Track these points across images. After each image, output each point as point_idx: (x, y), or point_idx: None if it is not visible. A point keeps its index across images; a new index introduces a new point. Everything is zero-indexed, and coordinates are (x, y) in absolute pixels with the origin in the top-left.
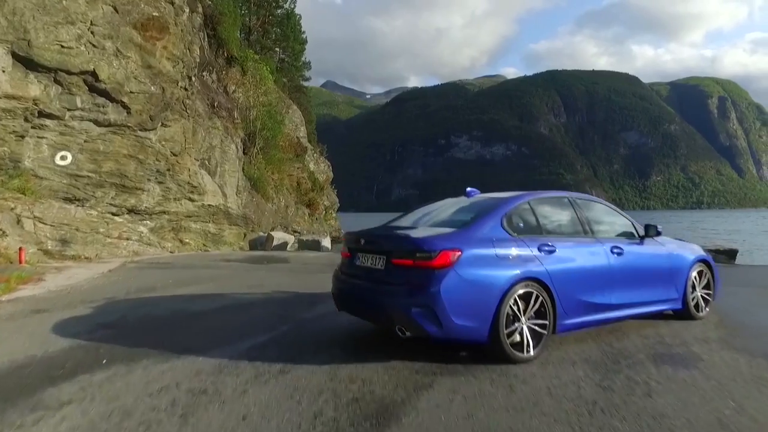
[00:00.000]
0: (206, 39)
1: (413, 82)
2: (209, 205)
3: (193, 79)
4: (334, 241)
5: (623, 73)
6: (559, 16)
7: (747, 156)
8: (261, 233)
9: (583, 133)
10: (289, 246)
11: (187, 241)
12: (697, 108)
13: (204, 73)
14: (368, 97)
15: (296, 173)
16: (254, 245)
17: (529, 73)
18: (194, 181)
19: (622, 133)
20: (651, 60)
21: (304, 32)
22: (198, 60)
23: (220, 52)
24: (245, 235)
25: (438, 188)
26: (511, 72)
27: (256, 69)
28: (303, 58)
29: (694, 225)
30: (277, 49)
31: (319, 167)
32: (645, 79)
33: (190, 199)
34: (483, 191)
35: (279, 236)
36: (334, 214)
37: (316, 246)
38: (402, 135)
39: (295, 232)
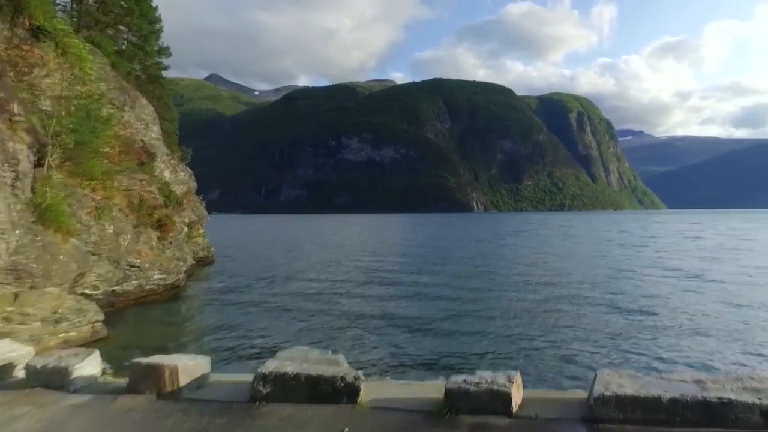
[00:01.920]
0: None
1: (303, 81)
2: None
3: None
4: (199, 263)
5: (499, 85)
6: (442, 27)
7: (599, 164)
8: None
9: (465, 139)
10: (16, 370)
11: None
12: (560, 120)
13: None
14: (256, 93)
15: (138, 187)
16: None
17: (417, 79)
18: None
19: (499, 140)
20: (522, 74)
21: (156, 9)
22: None
23: (19, 20)
24: (16, 296)
25: (329, 190)
26: (399, 77)
27: (70, 47)
28: (159, 43)
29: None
30: (122, 27)
31: (178, 176)
32: (517, 92)
33: None
34: (373, 193)
35: None
36: (201, 230)
37: (59, 379)
38: (292, 134)
39: (132, 267)
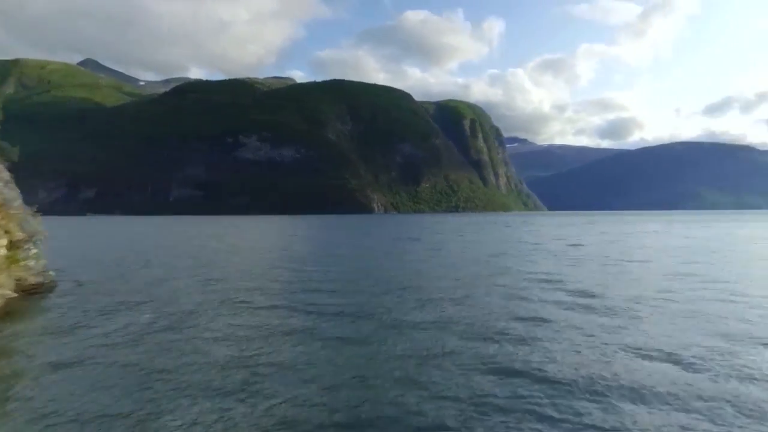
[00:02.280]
0: None
1: (195, 73)
2: None
3: None
4: (30, 294)
5: (400, 90)
6: (342, 28)
7: (489, 169)
8: None
9: (366, 142)
10: None
11: None
12: (455, 126)
13: None
14: (141, 83)
15: None
16: None
17: (318, 78)
18: None
19: (398, 143)
20: (420, 80)
21: None
22: None
23: None
24: None
25: (225, 190)
26: (300, 75)
27: None
28: None
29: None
30: None
31: None
32: (416, 97)
33: None
34: (272, 193)
35: None
36: (33, 251)
37: None
38: (183, 130)
39: None
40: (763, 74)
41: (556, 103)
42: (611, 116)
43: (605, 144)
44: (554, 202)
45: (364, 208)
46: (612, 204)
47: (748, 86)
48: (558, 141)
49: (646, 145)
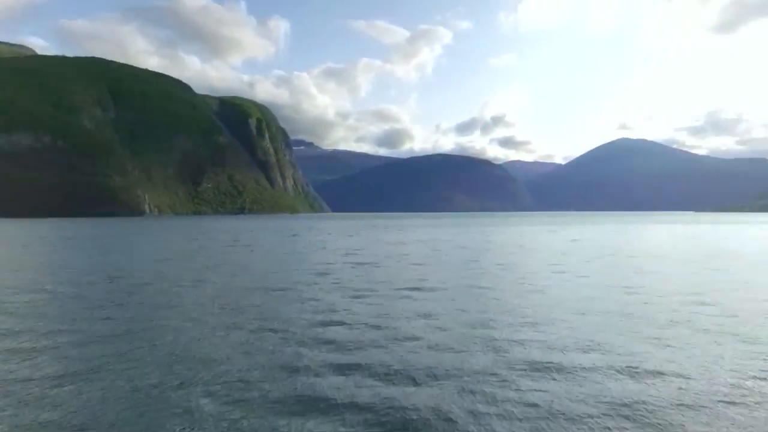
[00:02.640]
0: None
1: None
2: None
3: None
4: None
5: (177, 80)
6: None
7: (276, 171)
8: None
9: (135, 134)
10: None
11: None
12: (241, 125)
13: None
14: None
15: None
16: None
17: (68, 53)
18: None
19: (176, 138)
20: (200, 72)
21: None
22: None
23: None
24: None
25: None
26: (42, 45)
27: None
28: None
29: None
30: None
31: None
32: (196, 90)
33: None
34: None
35: None
36: None
37: None
38: None
39: None
40: (496, 103)
41: (339, 110)
42: (387, 126)
43: (382, 152)
44: (338, 204)
45: (132, 210)
46: (386, 206)
47: (487, 111)
48: (342, 146)
49: (414, 154)
